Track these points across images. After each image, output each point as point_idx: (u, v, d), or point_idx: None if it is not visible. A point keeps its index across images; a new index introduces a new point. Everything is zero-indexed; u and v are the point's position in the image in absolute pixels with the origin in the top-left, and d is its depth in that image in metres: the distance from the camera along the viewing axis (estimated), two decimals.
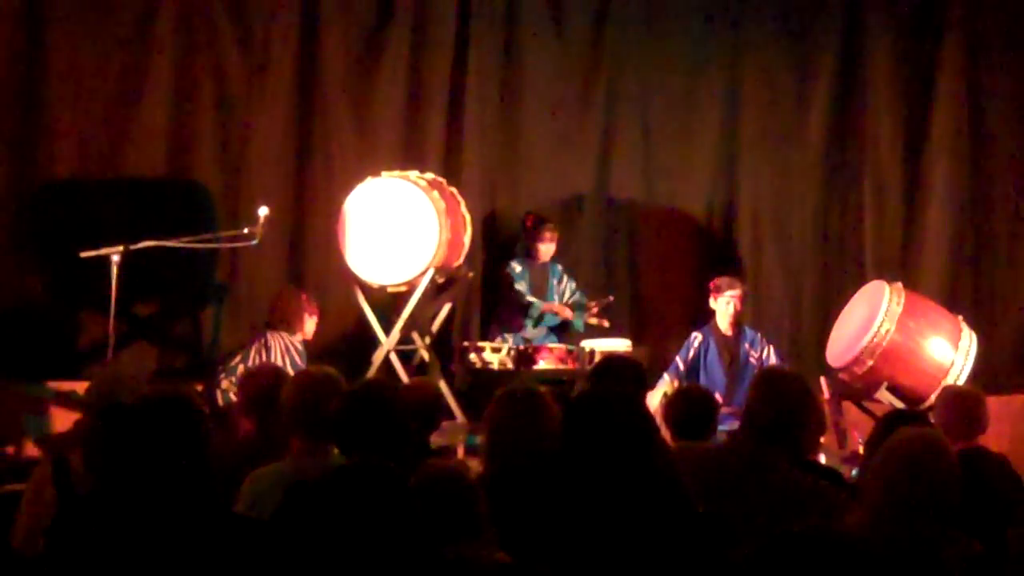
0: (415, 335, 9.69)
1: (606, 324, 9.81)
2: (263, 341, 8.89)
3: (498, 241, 10.67)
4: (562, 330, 10.07)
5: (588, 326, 9.98)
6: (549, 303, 9.91)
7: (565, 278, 10.16)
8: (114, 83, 9.94)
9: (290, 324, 8.99)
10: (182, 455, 3.60)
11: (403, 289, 9.53)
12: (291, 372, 8.56)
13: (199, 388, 8.73)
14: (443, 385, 8.95)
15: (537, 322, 9.86)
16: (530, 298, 9.87)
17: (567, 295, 10.13)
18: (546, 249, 10.03)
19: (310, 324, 9.14)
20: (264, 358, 8.79)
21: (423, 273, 9.38)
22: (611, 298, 9.88)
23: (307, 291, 9.40)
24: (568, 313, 9.90)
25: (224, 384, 8.75)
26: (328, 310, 10.11)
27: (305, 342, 9.07)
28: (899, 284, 8.99)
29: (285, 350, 8.87)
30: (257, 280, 10.16)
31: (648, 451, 3.88)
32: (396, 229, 9.32)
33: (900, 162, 11.06)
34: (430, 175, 9.75)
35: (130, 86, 9.96)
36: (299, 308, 9.06)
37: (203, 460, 3.65)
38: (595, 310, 9.90)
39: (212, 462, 3.80)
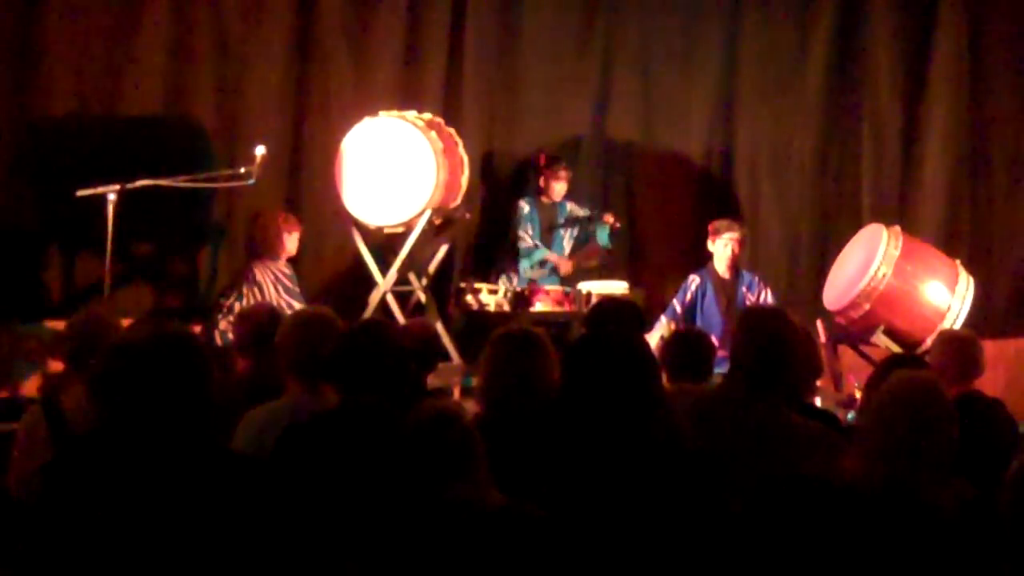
0: (412, 276, 9.69)
1: (617, 226, 9.77)
2: (251, 276, 8.91)
3: (495, 183, 10.65)
4: (580, 248, 10.08)
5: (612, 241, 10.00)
6: (553, 254, 9.88)
7: (572, 210, 10.14)
8: (111, 20, 9.87)
9: (271, 248, 9.01)
10: (187, 394, 3.59)
11: (400, 230, 9.52)
12: (284, 299, 8.72)
13: (197, 328, 8.75)
14: (440, 326, 8.96)
15: (539, 264, 9.85)
16: (534, 243, 9.87)
17: (576, 225, 10.12)
18: (560, 188, 10.03)
19: (291, 241, 9.13)
20: (258, 294, 8.81)
21: (420, 214, 9.36)
22: (616, 224, 9.82)
23: (282, 209, 9.33)
24: (567, 267, 9.87)
25: (222, 325, 8.75)
26: (325, 251, 10.15)
27: (292, 262, 9.08)
28: (897, 228, 8.99)
29: (275, 280, 8.89)
30: None
31: (647, 395, 3.88)
32: (393, 169, 9.30)
33: (899, 107, 11.03)
34: (428, 115, 9.72)
35: (127, 23, 9.89)
36: (276, 230, 9.06)
37: (206, 400, 3.65)
38: (616, 223, 9.82)
39: (213, 401, 3.79)
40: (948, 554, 3.68)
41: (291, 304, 8.82)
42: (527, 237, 9.92)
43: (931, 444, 3.75)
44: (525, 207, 10.02)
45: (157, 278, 9.99)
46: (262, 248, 9.02)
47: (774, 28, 11.02)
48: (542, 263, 9.86)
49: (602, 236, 9.97)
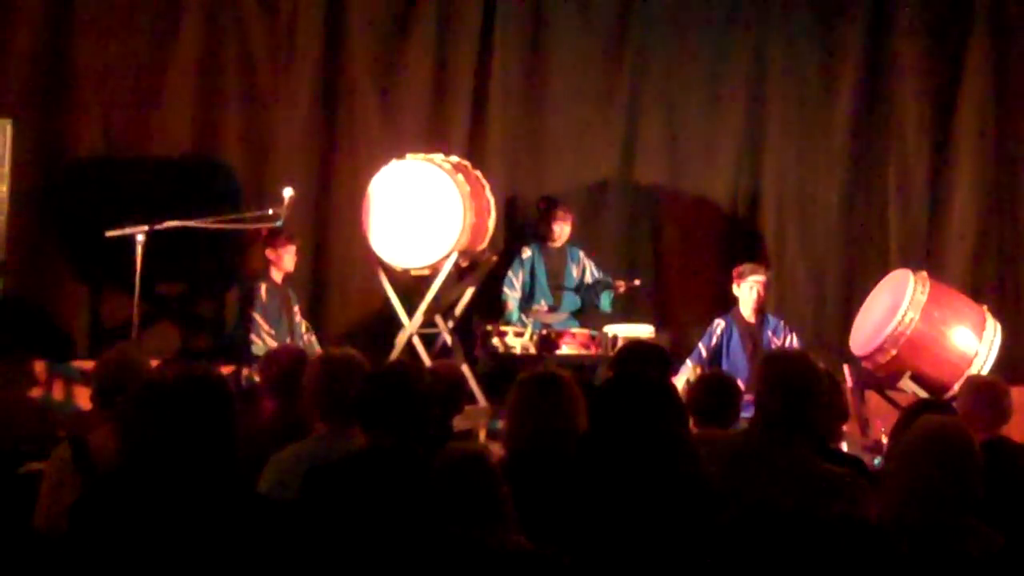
0: (438, 318, 9.70)
1: (636, 283, 9.74)
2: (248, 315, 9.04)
3: (520, 226, 10.67)
4: (583, 312, 10.07)
5: (613, 307, 10.00)
6: (535, 311, 9.86)
7: (584, 261, 10.15)
8: (141, 63, 9.97)
9: (261, 269, 9.24)
10: (210, 435, 3.60)
11: (427, 272, 9.54)
12: (256, 319, 8.80)
13: (227, 369, 8.76)
14: (466, 368, 8.96)
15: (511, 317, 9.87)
16: (511, 301, 9.89)
17: (588, 277, 10.12)
18: (560, 230, 10.03)
19: (279, 257, 9.20)
20: (254, 324, 8.89)
21: (447, 256, 9.38)
22: (637, 282, 9.83)
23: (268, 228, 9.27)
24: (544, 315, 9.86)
25: (246, 370, 8.79)
26: (352, 292, 10.18)
27: (289, 277, 9.35)
28: (924, 273, 8.96)
29: (253, 307, 8.97)
30: None
31: (674, 439, 3.88)
32: (420, 212, 9.33)
33: (926, 150, 11.04)
34: (455, 158, 9.75)
35: (156, 66, 10.00)
36: (260, 249, 9.20)
37: (230, 441, 3.66)
38: (622, 290, 9.86)
39: (237, 443, 3.80)
40: None
41: (248, 327, 8.93)
42: (509, 292, 9.96)
43: (957, 489, 3.74)
44: (526, 252, 10.05)
45: (185, 319, 10.04)
46: (248, 275, 9.19)
47: (800, 71, 11.04)
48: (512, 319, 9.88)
49: (604, 302, 10.00)
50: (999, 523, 3.92)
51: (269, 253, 9.20)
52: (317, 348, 9.28)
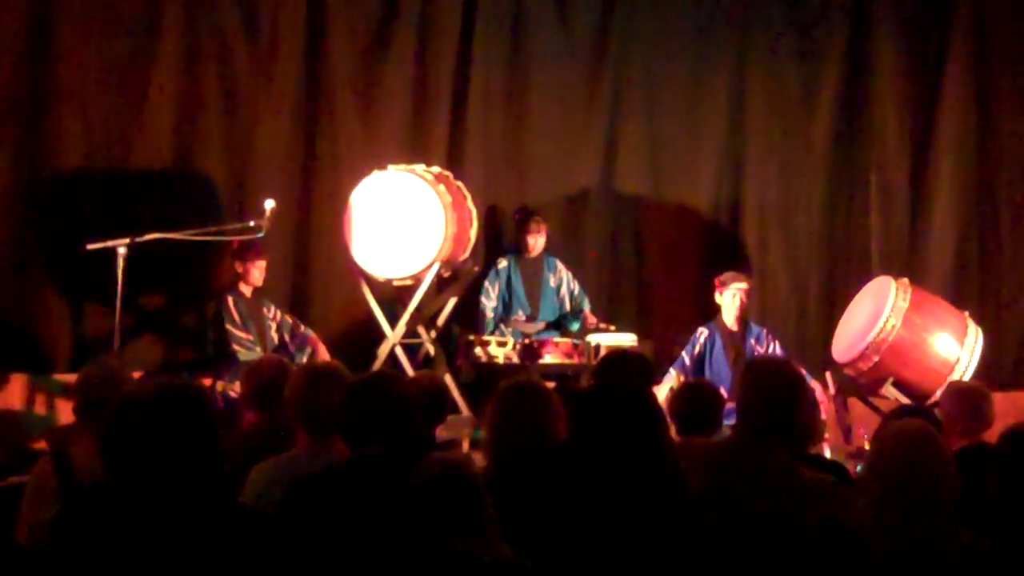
0: (421, 329, 9.69)
1: (612, 329, 9.75)
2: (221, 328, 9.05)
3: (501, 236, 10.67)
4: (561, 322, 10.08)
5: (583, 331, 10.01)
6: (513, 321, 9.87)
7: (563, 273, 10.16)
8: (121, 76, 9.94)
9: (231, 282, 9.23)
10: (192, 447, 3.59)
11: (409, 283, 9.53)
12: (230, 331, 8.92)
13: (207, 382, 8.75)
14: (448, 378, 8.95)
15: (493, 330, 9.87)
16: (488, 310, 9.92)
17: (565, 292, 10.13)
18: (534, 241, 10.06)
19: (250, 271, 9.21)
20: (231, 336, 8.94)
21: (429, 267, 9.38)
22: (612, 328, 9.79)
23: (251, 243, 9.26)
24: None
25: (220, 384, 8.79)
26: (334, 303, 10.16)
27: (258, 291, 9.30)
28: (905, 280, 8.99)
29: (224, 320, 8.97)
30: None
31: (656, 448, 3.88)
32: (402, 223, 9.32)
33: (907, 159, 11.07)
34: (436, 168, 9.75)
35: (137, 78, 9.96)
36: (228, 261, 9.24)
37: (212, 453, 3.65)
38: (592, 325, 9.85)
39: (219, 455, 3.79)
40: None
41: (225, 340, 8.95)
42: (486, 302, 10.00)
43: (927, 493, 3.75)
44: (502, 263, 10.09)
45: (167, 331, 10.00)
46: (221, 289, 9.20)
47: (781, 80, 11.06)
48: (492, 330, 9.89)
49: (573, 325, 10.01)
50: (982, 529, 3.93)
51: (238, 266, 9.19)
52: (311, 334, 9.33)
